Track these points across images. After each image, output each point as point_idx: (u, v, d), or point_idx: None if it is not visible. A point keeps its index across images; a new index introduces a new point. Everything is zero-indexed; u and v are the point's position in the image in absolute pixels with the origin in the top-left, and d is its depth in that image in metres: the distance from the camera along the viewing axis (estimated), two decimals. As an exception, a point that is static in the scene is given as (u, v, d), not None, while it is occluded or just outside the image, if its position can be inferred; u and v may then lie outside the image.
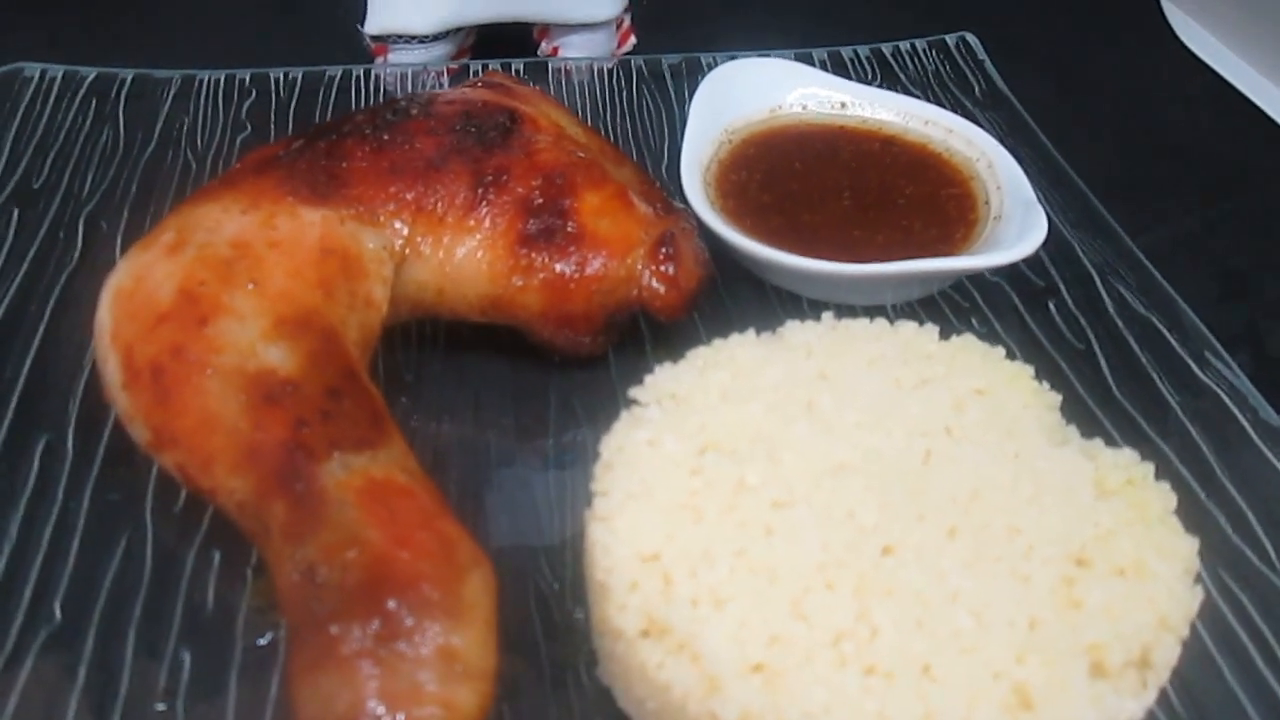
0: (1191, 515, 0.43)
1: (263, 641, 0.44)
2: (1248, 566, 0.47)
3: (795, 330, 0.49)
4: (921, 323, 0.49)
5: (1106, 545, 0.39)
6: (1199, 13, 0.94)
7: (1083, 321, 0.60)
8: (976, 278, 0.62)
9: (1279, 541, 0.48)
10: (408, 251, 0.53)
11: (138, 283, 0.48)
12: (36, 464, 0.51)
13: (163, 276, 0.47)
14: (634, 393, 0.46)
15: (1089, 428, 0.48)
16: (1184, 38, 0.91)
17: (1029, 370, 0.47)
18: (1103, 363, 0.57)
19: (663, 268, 0.54)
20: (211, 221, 0.50)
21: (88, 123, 0.72)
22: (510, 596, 0.42)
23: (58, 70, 0.75)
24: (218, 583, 0.47)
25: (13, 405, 0.53)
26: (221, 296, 0.46)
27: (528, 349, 0.56)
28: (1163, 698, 0.42)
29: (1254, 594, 0.46)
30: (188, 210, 0.51)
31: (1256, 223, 0.72)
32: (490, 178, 0.54)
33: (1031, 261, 0.63)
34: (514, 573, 0.46)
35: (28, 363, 0.56)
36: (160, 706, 0.42)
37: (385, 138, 0.55)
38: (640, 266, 0.54)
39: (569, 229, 0.53)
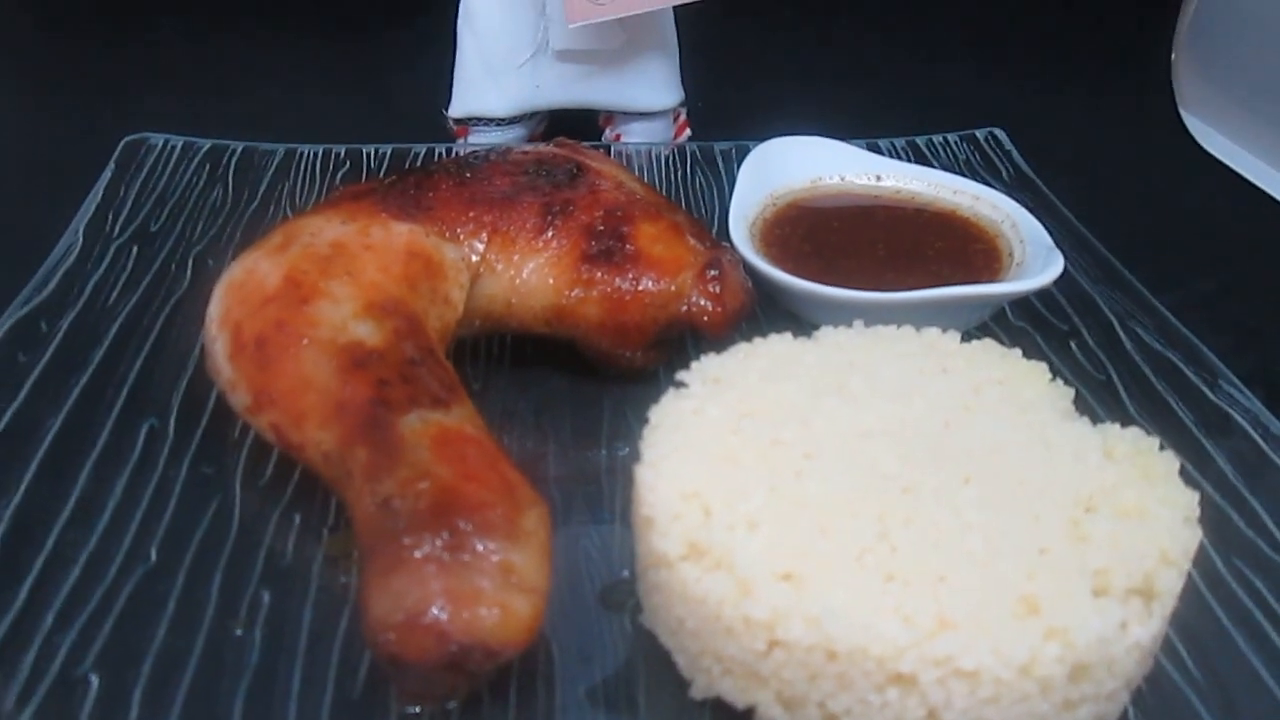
0: (1207, 513, 0.46)
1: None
2: (1260, 555, 0.50)
3: (829, 332, 0.54)
4: (945, 331, 0.54)
5: (1112, 495, 0.43)
6: (1214, 118, 1.01)
7: (1102, 357, 0.64)
8: (1001, 320, 0.67)
9: (1290, 534, 0.51)
10: (482, 267, 0.59)
11: (248, 274, 0.55)
12: (141, 442, 0.56)
13: (270, 268, 0.54)
14: (681, 375, 0.51)
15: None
16: (1201, 139, 0.97)
17: (1044, 366, 0.51)
18: (1121, 391, 0.61)
19: (710, 287, 0.59)
20: (314, 228, 0.57)
21: (201, 183, 0.80)
22: (562, 555, 0.46)
23: (178, 140, 0.84)
24: (297, 539, 0.51)
25: (123, 395, 0.59)
26: (320, 283, 0.53)
27: (585, 364, 0.62)
28: (1185, 668, 0.45)
29: (1267, 578, 0.49)
30: (293, 222, 0.58)
31: (1271, 288, 0.76)
32: (558, 208, 0.61)
33: (1054, 308, 0.68)
34: (568, 541, 0.51)
35: (138, 363, 0.62)
36: (238, 632, 0.46)
37: (467, 175, 0.62)
38: (689, 286, 0.59)
39: (626, 250, 0.59)
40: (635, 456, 0.47)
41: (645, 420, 0.48)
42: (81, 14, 0.99)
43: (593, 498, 0.55)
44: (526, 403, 0.61)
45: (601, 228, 0.60)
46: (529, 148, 0.67)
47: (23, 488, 0.53)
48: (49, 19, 0.99)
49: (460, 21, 0.83)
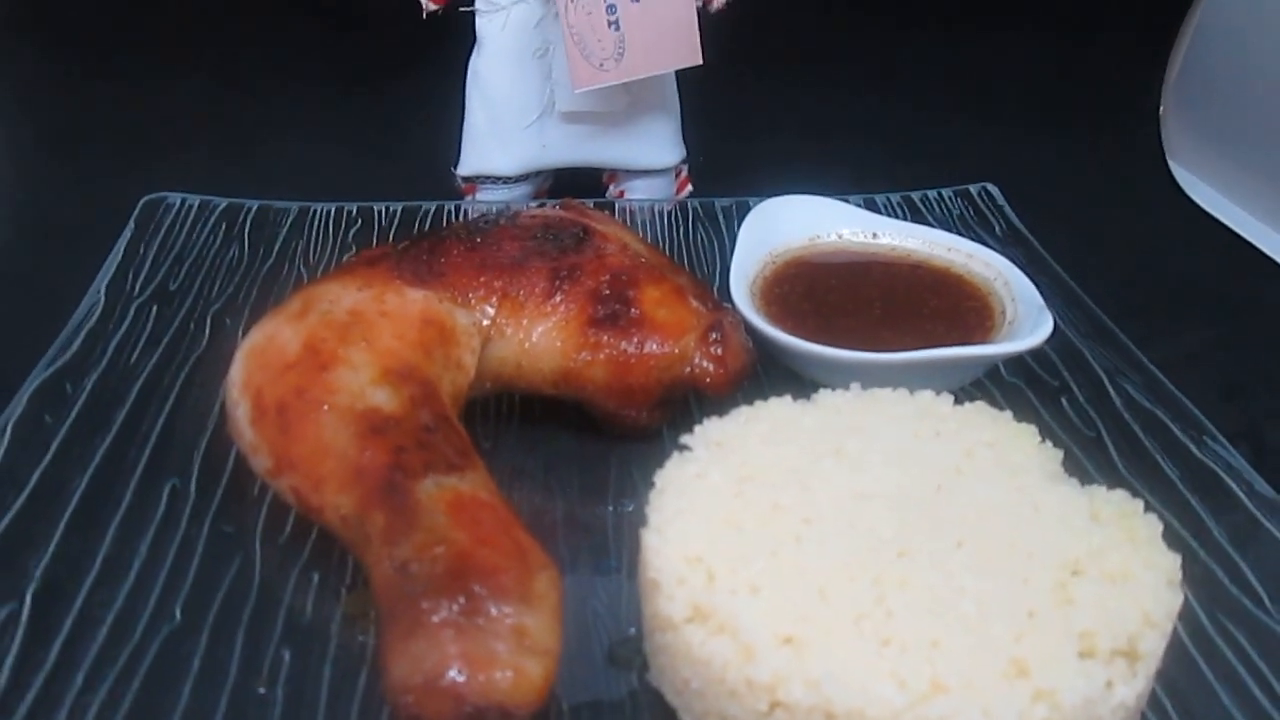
0: (1192, 571, 0.48)
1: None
2: (1244, 612, 0.52)
3: (827, 395, 0.56)
4: (938, 394, 0.56)
5: (1098, 559, 0.45)
6: (1202, 169, 1.04)
7: (1092, 413, 0.66)
8: (994, 376, 0.69)
9: (1273, 590, 0.53)
10: (493, 331, 0.62)
11: (269, 341, 0.57)
12: (164, 502, 0.58)
13: (290, 335, 0.56)
14: (684, 439, 0.53)
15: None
16: (1189, 191, 1.00)
17: (1033, 429, 0.53)
18: (1110, 448, 0.63)
19: (712, 349, 0.62)
20: (333, 295, 0.59)
21: (218, 241, 0.83)
22: (571, 613, 0.48)
23: (194, 199, 0.87)
24: (316, 597, 0.53)
25: (146, 455, 0.62)
26: (339, 350, 0.55)
27: (591, 423, 0.64)
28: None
29: (1251, 635, 0.51)
30: (312, 288, 0.61)
31: (1256, 344, 0.78)
32: (565, 273, 0.63)
33: (1045, 364, 0.70)
34: (576, 599, 0.52)
35: (159, 423, 0.64)
36: (261, 690, 0.48)
37: (478, 240, 0.64)
38: (692, 348, 0.62)
39: (632, 314, 0.62)
40: (640, 513, 0.49)
41: (651, 483, 0.51)
42: (99, 73, 1.02)
43: (600, 554, 0.57)
44: (535, 461, 0.63)
45: (607, 292, 0.62)
46: (536, 211, 0.69)
47: (52, 547, 0.55)
48: (65, 76, 1.02)
49: (469, 84, 0.86)
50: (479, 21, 0.84)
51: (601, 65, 0.78)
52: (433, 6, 0.84)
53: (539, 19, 0.82)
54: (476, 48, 0.85)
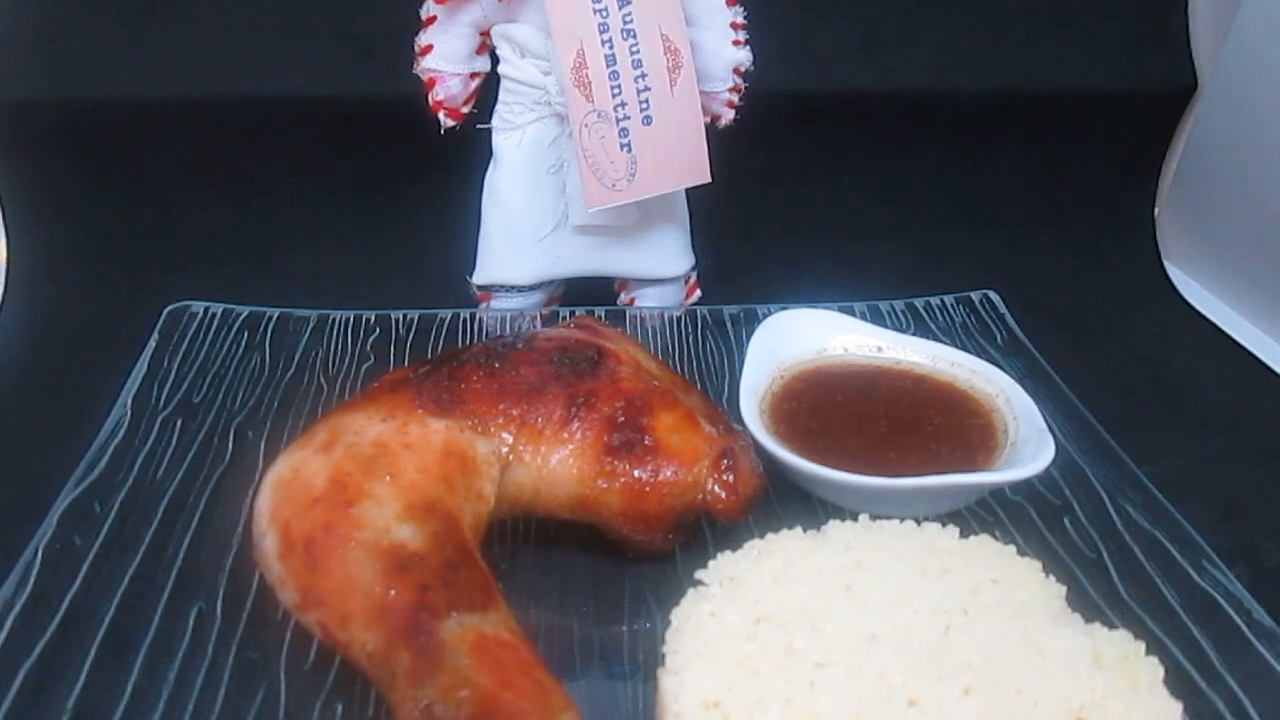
0: (1191, 701, 0.49)
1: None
2: (1244, 749, 0.53)
3: (836, 528, 0.58)
4: (945, 526, 0.58)
5: (1101, 707, 0.46)
6: (1198, 273, 1.07)
7: (1094, 534, 0.67)
8: (999, 496, 0.71)
9: (1271, 722, 0.54)
10: (511, 458, 0.64)
11: (295, 473, 0.59)
12: (191, 626, 0.60)
13: (317, 468, 0.58)
14: (699, 575, 0.55)
15: (1099, 620, 0.55)
16: (1185, 294, 1.03)
17: (1037, 564, 0.55)
18: (1112, 570, 0.65)
19: (724, 476, 0.64)
20: (358, 426, 0.61)
21: (240, 350, 0.85)
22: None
23: (218, 307, 0.89)
24: (341, 728, 0.55)
25: (172, 577, 0.63)
26: (364, 485, 0.57)
27: (606, 544, 0.65)
28: None
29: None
30: (337, 417, 0.63)
31: (1254, 457, 0.80)
32: (581, 399, 0.65)
33: (1048, 483, 0.71)
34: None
35: (185, 544, 0.66)
36: (289, 826, 0.49)
37: (496, 366, 0.67)
38: (705, 475, 0.64)
39: (646, 442, 0.64)
40: (655, 632, 0.50)
41: (666, 615, 0.52)
42: (122, 180, 1.05)
43: (616, 676, 0.59)
44: (551, 582, 0.65)
45: (622, 419, 0.64)
46: (552, 333, 0.72)
47: (83, 676, 0.56)
48: (93, 185, 1.05)
49: (485, 197, 0.89)
50: (496, 138, 0.87)
51: (614, 185, 0.81)
52: (450, 122, 0.87)
53: (554, 137, 0.85)
54: (493, 163, 0.88)
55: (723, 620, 0.51)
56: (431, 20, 0.84)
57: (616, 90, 0.79)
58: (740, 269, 1.01)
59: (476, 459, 0.62)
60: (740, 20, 0.85)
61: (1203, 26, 1.10)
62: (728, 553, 0.56)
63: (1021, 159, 1.13)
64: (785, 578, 0.53)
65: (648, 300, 0.94)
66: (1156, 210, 1.14)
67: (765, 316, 0.83)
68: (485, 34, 0.84)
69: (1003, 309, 0.92)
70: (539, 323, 0.90)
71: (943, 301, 0.94)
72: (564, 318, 0.89)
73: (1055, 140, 1.12)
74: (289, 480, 0.59)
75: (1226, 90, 1.05)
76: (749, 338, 0.80)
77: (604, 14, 0.78)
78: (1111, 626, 0.56)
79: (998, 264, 1.03)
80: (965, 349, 0.84)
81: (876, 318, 0.91)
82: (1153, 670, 0.48)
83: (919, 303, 0.93)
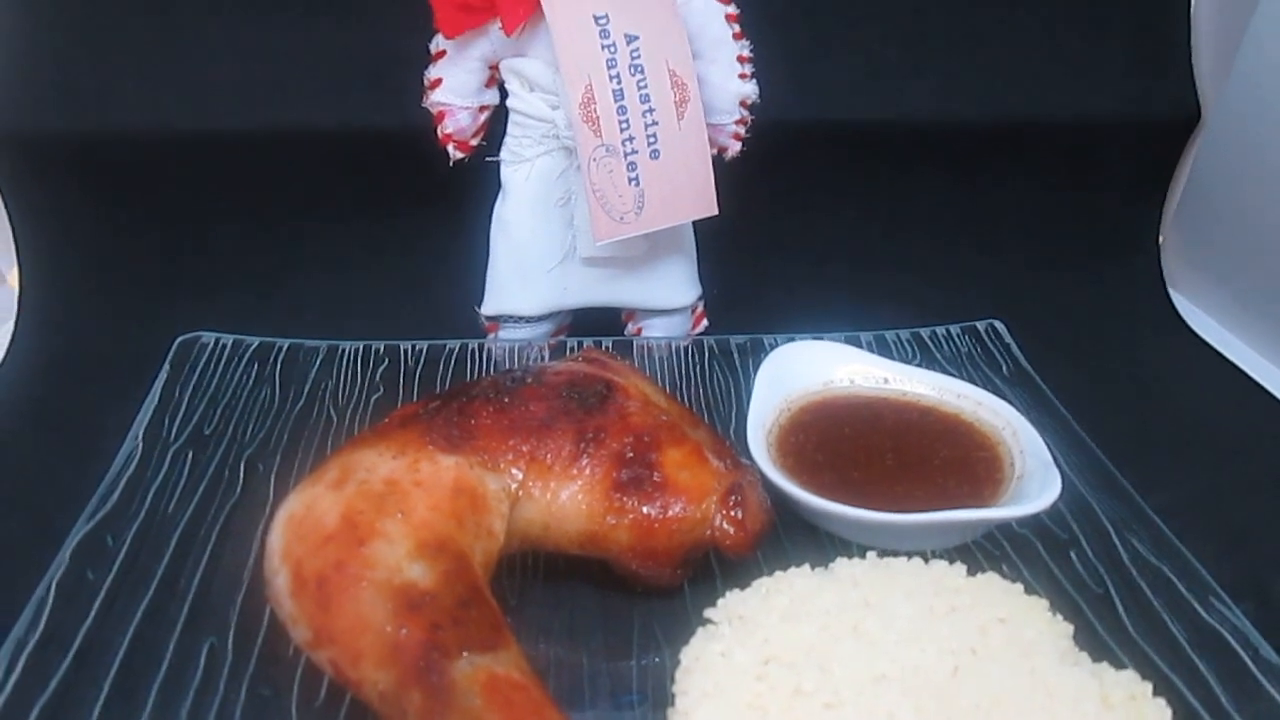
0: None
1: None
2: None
3: (844, 565, 0.58)
4: (952, 562, 0.58)
5: (1109, 749, 0.47)
6: (1203, 301, 1.07)
7: (1100, 569, 0.68)
8: (1006, 530, 0.71)
9: (1280, 764, 0.54)
10: (521, 493, 0.64)
11: (308, 510, 0.59)
12: (203, 662, 0.61)
13: (329, 505, 0.59)
14: (708, 613, 0.55)
15: (1106, 659, 0.56)
16: (1190, 322, 1.03)
17: (1045, 603, 0.55)
18: (1118, 605, 0.65)
19: (732, 512, 0.64)
20: (369, 463, 0.62)
21: (250, 381, 0.86)
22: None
23: (228, 339, 0.90)
24: (351, 766, 0.55)
25: (184, 612, 0.64)
26: (376, 523, 0.58)
27: (615, 579, 0.66)
28: None
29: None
30: (348, 454, 0.63)
31: (1259, 487, 0.80)
32: (590, 435, 0.66)
33: (1054, 516, 0.72)
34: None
35: (197, 578, 0.66)
36: None
37: (506, 401, 0.67)
38: (713, 511, 0.64)
39: (654, 478, 0.64)
40: (663, 666, 0.51)
41: (677, 656, 0.53)
42: (134, 211, 1.06)
43: (625, 709, 0.59)
44: (560, 617, 0.65)
45: (631, 454, 0.65)
46: (560, 367, 0.72)
47: (96, 712, 0.57)
48: (104, 216, 1.06)
49: (494, 228, 0.89)
50: (504, 170, 0.87)
51: (622, 219, 0.82)
52: (459, 155, 0.88)
53: (561, 170, 0.86)
54: (501, 195, 0.88)
55: (732, 660, 0.51)
56: (441, 54, 0.85)
57: (624, 125, 0.80)
58: (747, 298, 1.01)
59: (487, 496, 0.62)
60: (747, 54, 0.86)
61: (1206, 57, 1.11)
62: (736, 591, 0.56)
63: (1026, 188, 1.13)
64: (794, 617, 0.54)
65: (655, 330, 0.94)
66: (1161, 238, 1.15)
67: (771, 346, 0.83)
68: (494, 68, 0.85)
69: (1008, 338, 0.93)
70: (546, 353, 0.91)
71: (949, 331, 0.94)
72: (571, 348, 0.89)
73: (1059, 170, 1.13)
74: (301, 518, 0.59)
75: (1229, 120, 1.06)
76: (755, 367, 0.81)
77: (612, 50, 0.79)
78: (1119, 664, 0.56)
79: (1004, 292, 1.03)
80: (971, 379, 0.85)
81: (883, 347, 0.91)
82: (1159, 712, 0.49)
83: (925, 332, 0.94)
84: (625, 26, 0.79)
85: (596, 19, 0.79)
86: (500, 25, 0.80)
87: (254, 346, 0.90)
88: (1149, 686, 0.50)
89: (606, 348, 0.90)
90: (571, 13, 0.78)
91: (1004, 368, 0.90)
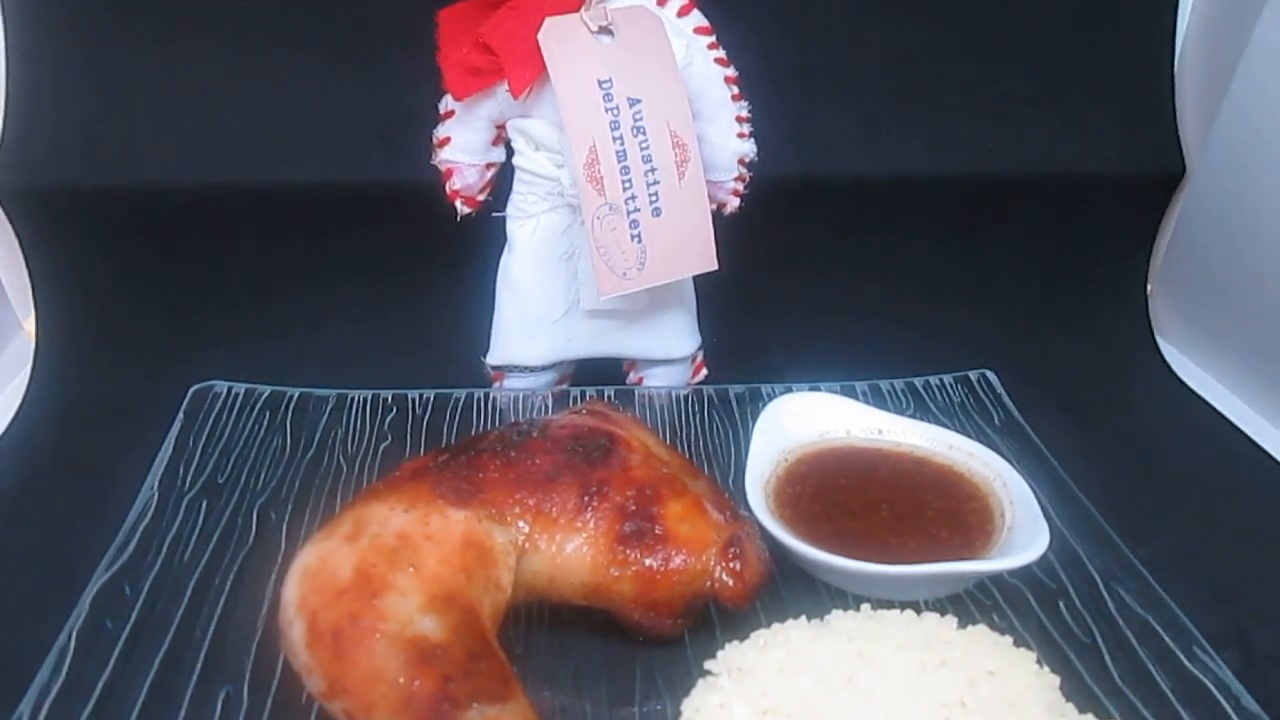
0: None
1: None
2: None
3: (839, 618, 0.61)
4: (944, 613, 0.60)
5: (1093, 802, 0.49)
6: (1191, 349, 1.10)
7: (1088, 619, 0.70)
8: (997, 580, 0.73)
9: (1259, 815, 0.56)
10: (527, 545, 0.66)
11: (323, 563, 0.62)
12: (219, 710, 0.62)
13: (343, 559, 0.61)
14: (708, 665, 0.58)
15: (1093, 709, 0.58)
16: (1177, 370, 1.06)
17: (1032, 655, 0.58)
18: (1105, 655, 0.67)
19: (731, 564, 0.66)
20: (380, 517, 0.64)
21: (262, 430, 0.88)
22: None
23: (240, 387, 0.92)
24: (363, 814, 0.57)
25: (200, 660, 0.66)
26: (388, 577, 0.60)
27: (618, 629, 0.68)
28: None
29: None
30: (360, 507, 0.66)
31: (1244, 538, 0.82)
32: (594, 489, 0.68)
33: (1043, 566, 0.74)
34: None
35: (212, 627, 0.68)
36: None
37: (512, 454, 0.69)
38: (713, 563, 0.66)
39: (656, 531, 0.66)
40: (665, 713, 0.54)
41: (679, 707, 0.55)
42: (140, 268, 1.09)
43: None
44: (565, 665, 0.67)
45: (633, 507, 0.67)
46: (565, 420, 0.75)
47: (115, 764, 0.59)
48: (117, 264, 1.09)
49: (500, 281, 0.92)
50: (510, 225, 0.90)
51: (625, 274, 0.84)
52: (466, 210, 0.91)
53: (566, 226, 0.88)
54: (507, 248, 0.91)
55: (731, 712, 0.53)
56: (450, 114, 0.88)
57: (627, 184, 0.83)
58: (745, 348, 1.04)
59: (494, 549, 0.64)
60: (745, 114, 0.89)
61: (1190, 112, 1.14)
62: (735, 642, 0.59)
63: (1017, 241, 1.17)
64: (790, 669, 0.56)
65: (655, 379, 0.97)
66: (1149, 289, 1.17)
67: (769, 395, 0.86)
68: (501, 127, 0.88)
69: (999, 388, 0.95)
70: (550, 402, 0.93)
71: (941, 381, 0.97)
72: (574, 398, 0.92)
73: (1050, 222, 1.16)
74: (316, 570, 0.61)
75: (1214, 173, 1.09)
76: (754, 415, 0.83)
77: (615, 113, 0.82)
78: (1105, 714, 0.59)
79: (995, 343, 1.06)
80: (963, 428, 0.87)
81: (877, 397, 0.94)
82: (1142, 763, 0.51)
83: (919, 382, 0.96)
84: (628, 90, 0.82)
85: (600, 83, 0.82)
86: (507, 88, 0.83)
87: (265, 395, 0.92)
88: (1132, 738, 0.52)
89: (609, 396, 0.93)
90: (576, 77, 0.82)
91: (995, 417, 0.92)
